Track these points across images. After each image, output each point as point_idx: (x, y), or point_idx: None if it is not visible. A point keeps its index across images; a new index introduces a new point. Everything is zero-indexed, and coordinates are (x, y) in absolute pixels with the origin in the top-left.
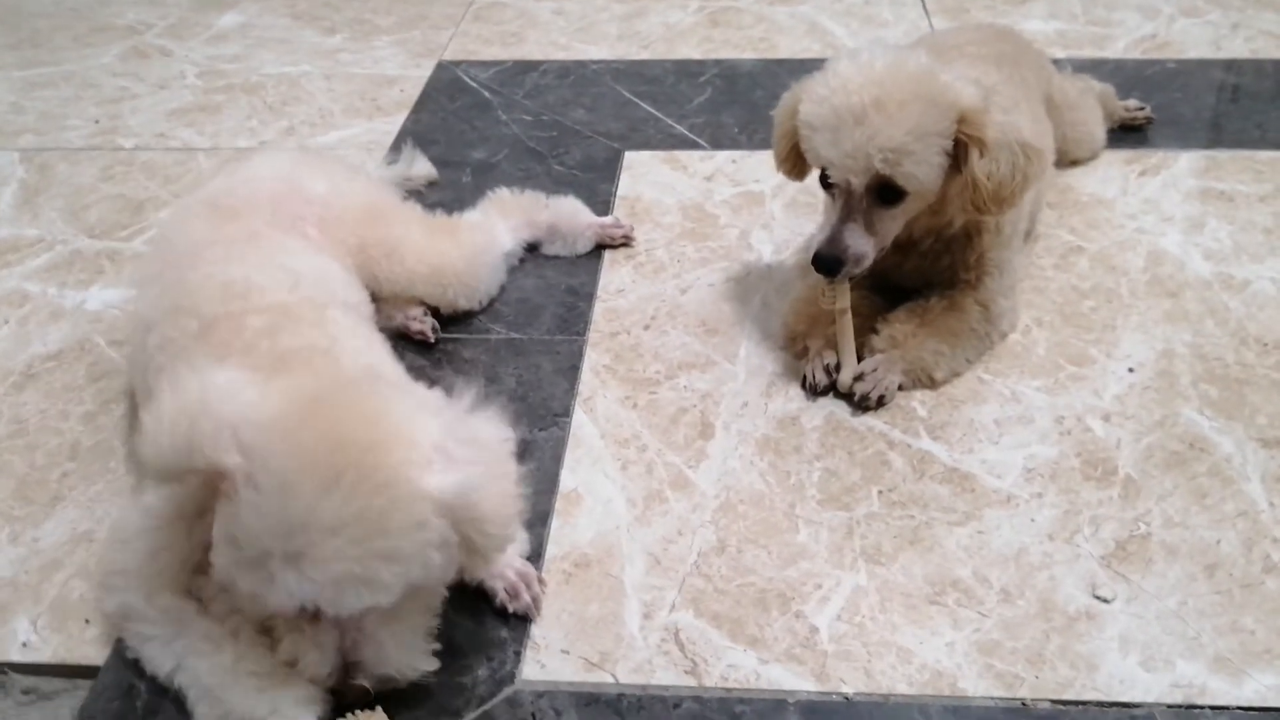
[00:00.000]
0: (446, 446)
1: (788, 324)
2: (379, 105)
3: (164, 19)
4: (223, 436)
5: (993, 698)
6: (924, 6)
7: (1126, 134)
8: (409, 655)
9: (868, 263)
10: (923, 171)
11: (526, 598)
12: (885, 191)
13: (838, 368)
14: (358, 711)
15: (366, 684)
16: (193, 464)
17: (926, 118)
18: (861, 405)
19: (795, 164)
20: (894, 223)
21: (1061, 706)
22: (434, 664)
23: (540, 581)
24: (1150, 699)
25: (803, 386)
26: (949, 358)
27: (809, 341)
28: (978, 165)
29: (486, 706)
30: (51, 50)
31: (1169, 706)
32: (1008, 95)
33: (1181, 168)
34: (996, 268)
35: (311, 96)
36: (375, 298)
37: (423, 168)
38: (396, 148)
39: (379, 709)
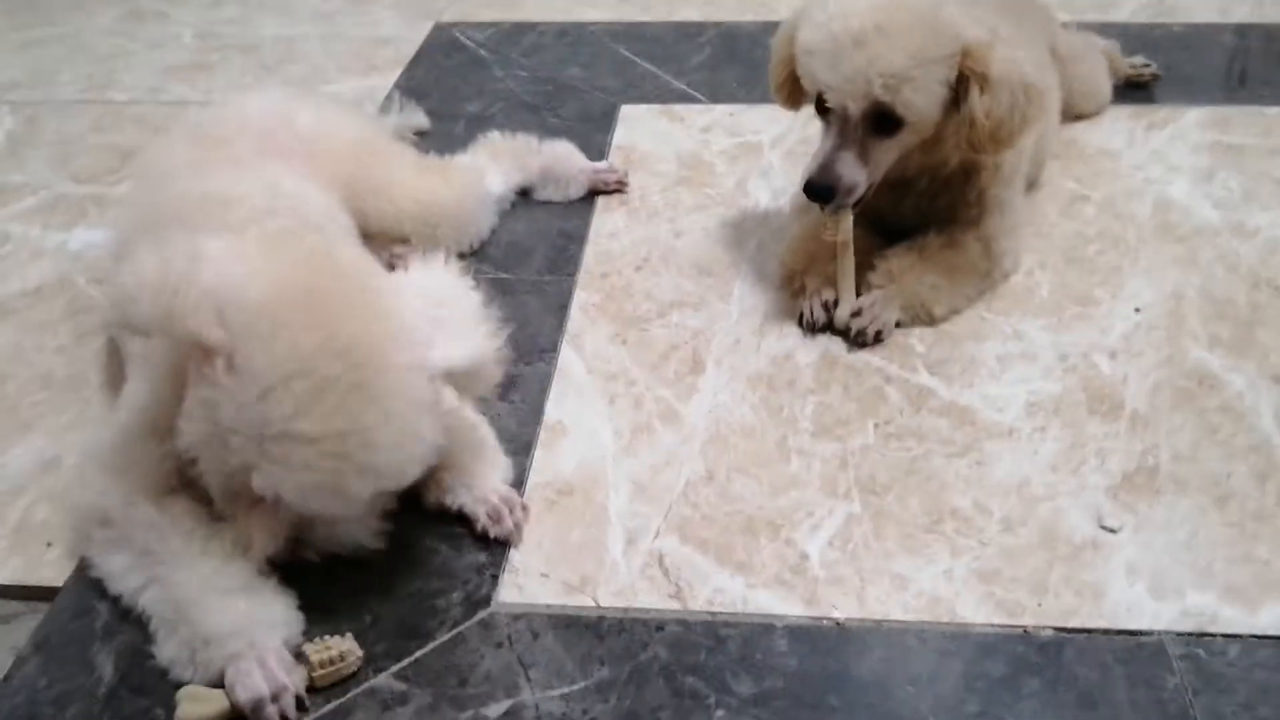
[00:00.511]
0: (439, 315)
1: (785, 262)
2: (374, 63)
3: None
4: (206, 310)
5: (993, 624)
6: None
7: (1132, 91)
8: (359, 532)
9: (859, 192)
10: (922, 100)
11: (509, 523)
12: (882, 120)
13: (836, 304)
14: (327, 638)
15: (314, 557)
16: (169, 330)
17: (929, 45)
18: (858, 341)
19: (791, 92)
20: (888, 154)
21: (1066, 634)
22: (381, 543)
23: (524, 508)
24: (1160, 626)
25: (799, 324)
26: (948, 293)
27: (806, 279)
28: (978, 102)
29: (460, 628)
30: (48, 13)
31: (1179, 634)
32: (1011, 37)
33: (1189, 121)
34: (997, 206)
35: (307, 56)
36: (363, 236)
37: (415, 118)
38: (387, 105)
39: (349, 635)
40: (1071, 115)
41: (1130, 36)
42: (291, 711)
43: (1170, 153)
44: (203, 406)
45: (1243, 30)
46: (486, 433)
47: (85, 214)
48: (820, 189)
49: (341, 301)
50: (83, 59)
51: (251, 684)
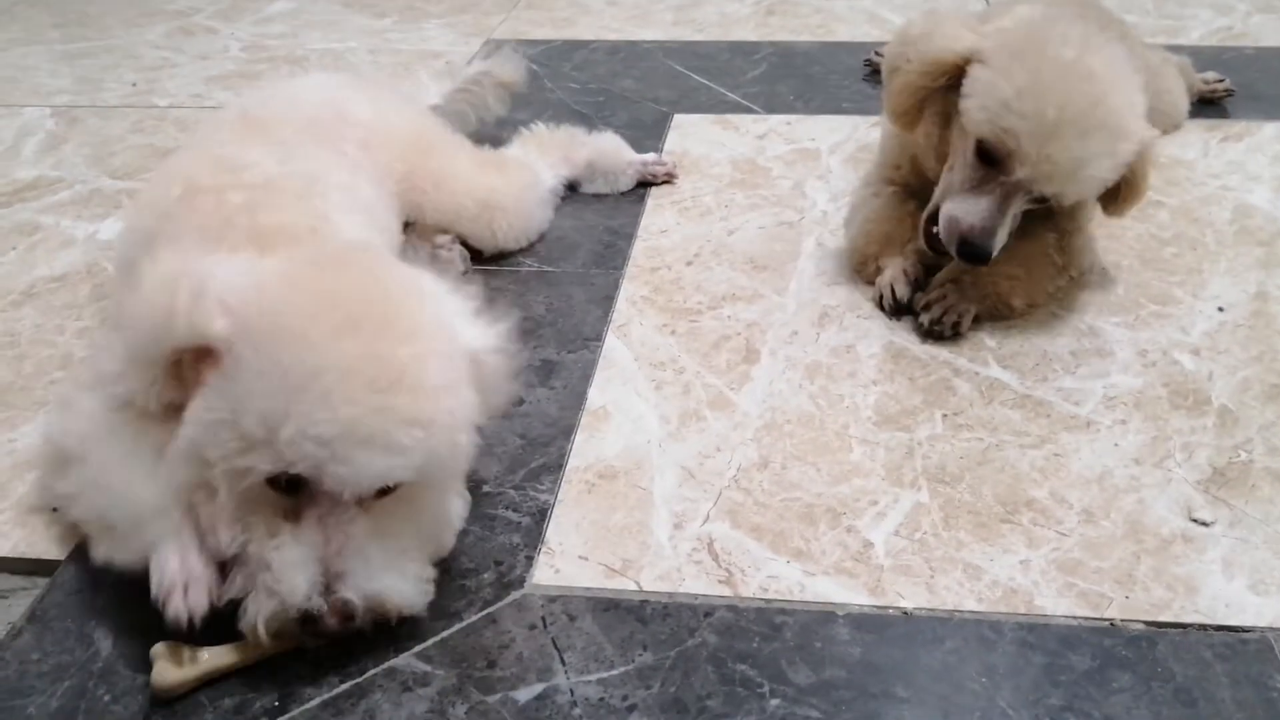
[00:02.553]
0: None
1: (857, 246)
2: (422, 77)
3: (214, 4)
4: (206, 302)
5: (1075, 617)
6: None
7: (1205, 107)
8: (401, 579)
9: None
10: (1098, 190)
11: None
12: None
13: (918, 281)
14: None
15: (352, 597)
16: (174, 337)
17: (1125, 154)
18: (934, 333)
19: (917, 114)
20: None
21: (1158, 629)
22: (426, 598)
23: None
24: (1263, 623)
25: (879, 306)
26: (1025, 284)
27: (882, 261)
28: (1125, 204)
29: (491, 609)
30: (99, 29)
31: None
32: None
33: (1267, 135)
34: (1070, 209)
35: (353, 68)
36: (410, 227)
37: (511, 69)
38: (488, 50)
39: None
40: None
41: (1201, 58)
42: (199, 604)
43: (1248, 163)
44: (218, 407)
45: None
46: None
47: (119, 207)
48: (980, 252)
49: (349, 265)
50: (129, 68)
51: (167, 570)
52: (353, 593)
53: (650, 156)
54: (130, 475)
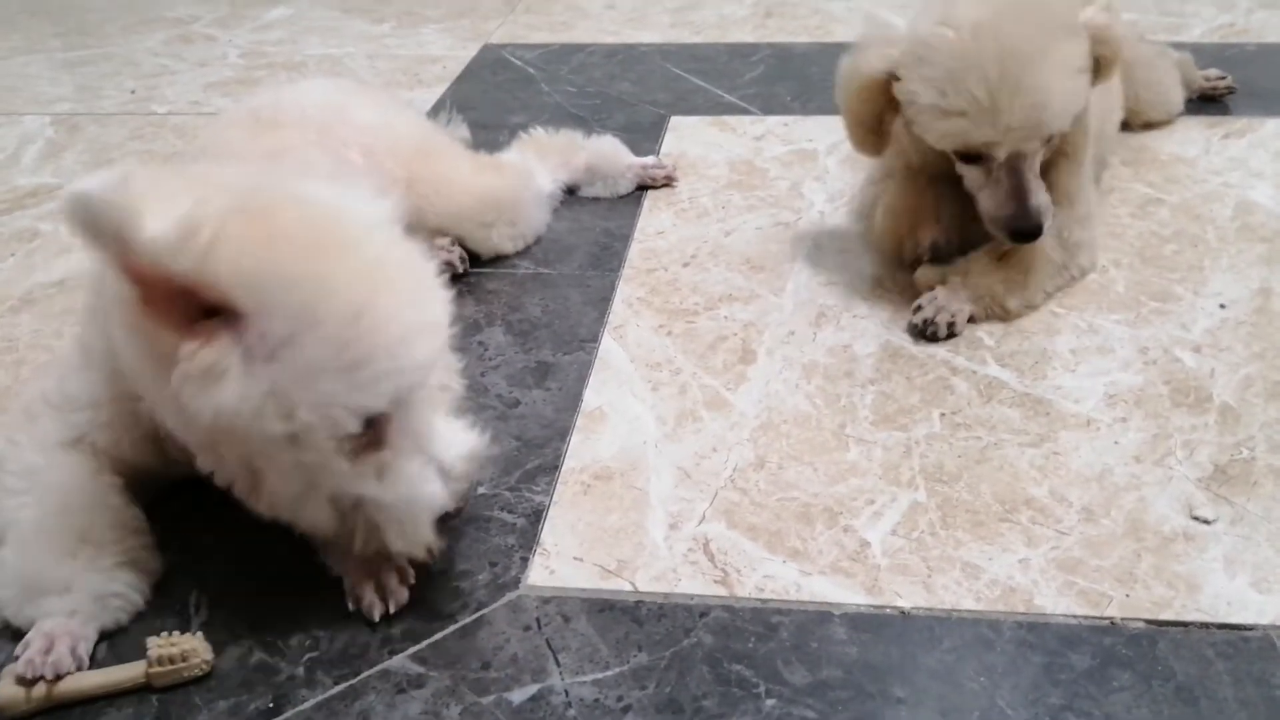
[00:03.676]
0: None
1: (887, 229)
2: (420, 79)
3: (213, 12)
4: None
5: (1075, 615)
6: None
7: (1207, 104)
8: (465, 434)
9: (1050, 208)
10: (1081, 104)
11: (370, 595)
12: (1049, 137)
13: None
14: (174, 634)
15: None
16: (197, 278)
17: (1074, 55)
18: (927, 333)
19: (878, 141)
20: (1041, 154)
21: (1159, 627)
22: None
23: (405, 578)
24: (1265, 621)
25: (920, 258)
26: (1023, 286)
27: (919, 234)
28: (1110, 67)
29: (484, 611)
30: (99, 37)
31: None
32: None
33: (1269, 131)
34: (1068, 197)
35: (352, 72)
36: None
37: (458, 130)
38: (434, 113)
39: (199, 635)
40: (1140, 123)
41: (1203, 55)
42: (36, 701)
43: (1250, 159)
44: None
45: None
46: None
47: None
48: (1031, 230)
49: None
50: (128, 75)
51: (26, 659)
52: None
53: (649, 160)
54: (50, 543)
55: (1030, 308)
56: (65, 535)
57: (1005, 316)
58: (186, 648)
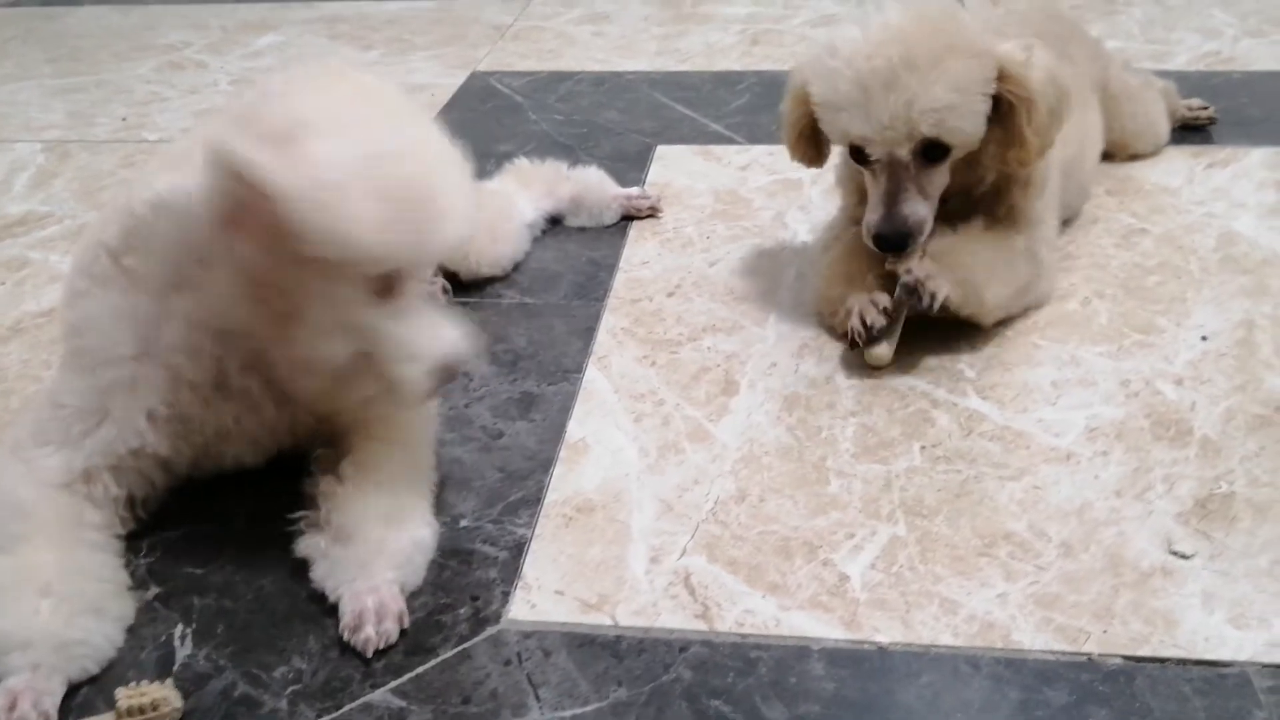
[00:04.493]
0: None
1: (821, 292)
2: None
3: (204, 39)
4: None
5: (1053, 651)
6: None
7: (1189, 133)
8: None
9: (929, 227)
10: (969, 124)
11: (370, 631)
12: (930, 150)
13: (887, 310)
14: (144, 683)
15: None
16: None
17: (965, 70)
18: (910, 293)
19: (810, 149)
20: (941, 178)
21: (1136, 663)
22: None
23: (400, 620)
24: (1243, 658)
25: (848, 339)
26: (1000, 280)
27: (851, 299)
28: (1026, 124)
29: (465, 645)
30: (90, 64)
31: (1265, 666)
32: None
33: (1254, 161)
34: (1029, 221)
35: None
36: None
37: None
38: None
39: (169, 683)
40: (1126, 154)
41: (1188, 83)
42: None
43: (1233, 190)
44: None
45: None
46: (404, 522)
47: None
48: (894, 239)
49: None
50: (120, 103)
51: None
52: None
53: (634, 190)
54: (22, 580)
55: (1006, 314)
56: (24, 590)
57: (980, 309)
58: (156, 696)
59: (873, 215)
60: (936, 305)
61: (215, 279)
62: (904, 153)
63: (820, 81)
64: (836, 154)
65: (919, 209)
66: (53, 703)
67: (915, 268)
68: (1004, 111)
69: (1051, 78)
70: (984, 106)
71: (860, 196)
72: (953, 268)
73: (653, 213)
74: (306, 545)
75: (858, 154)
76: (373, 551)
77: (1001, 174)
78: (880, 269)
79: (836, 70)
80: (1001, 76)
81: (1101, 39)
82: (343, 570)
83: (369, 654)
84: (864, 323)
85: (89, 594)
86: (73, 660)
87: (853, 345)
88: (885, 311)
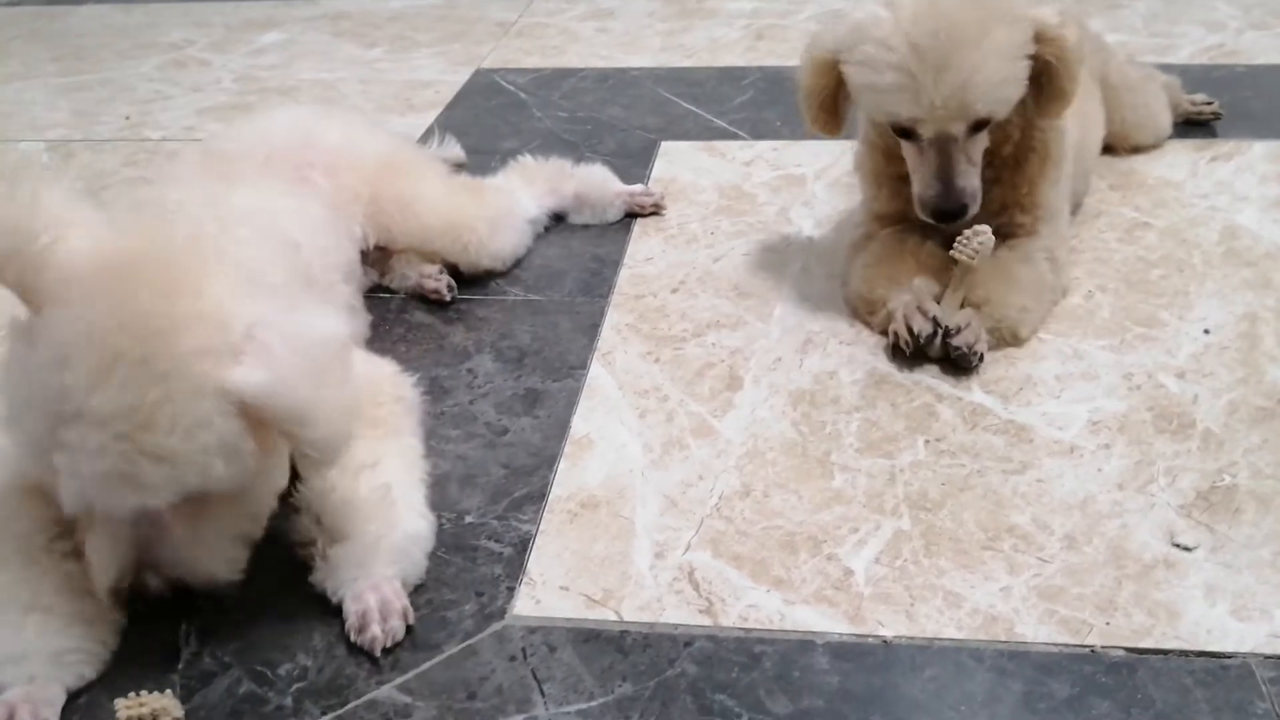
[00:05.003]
0: (265, 338)
1: (861, 293)
2: (412, 104)
3: (207, 37)
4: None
5: (1056, 644)
6: None
7: (1193, 127)
8: (211, 560)
9: (979, 194)
10: (1015, 91)
11: (376, 630)
12: (979, 121)
13: (935, 319)
14: (143, 693)
15: (158, 584)
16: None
17: (1009, 38)
18: (960, 363)
19: (831, 119)
20: (983, 143)
21: (1138, 655)
22: (238, 574)
23: (405, 616)
24: (1245, 649)
25: (895, 345)
26: (1032, 314)
27: (891, 303)
28: (1068, 82)
29: (470, 641)
30: (94, 62)
31: (1267, 657)
32: None
33: (1256, 154)
34: (1050, 214)
35: (345, 97)
36: (389, 253)
37: (452, 150)
38: (426, 139)
39: (169, 693)
40: (1128, 146)
41: (1190, 78)
42: None
43: (1236, 183)
44: (13, 372)
45: None
46: (398, 516)
47: None
48: (953, 210)
49: (151, 275)
50: (123, 101)
51: None
52: (158, 581)
53: (637, 187)
54: (7, 596)
55: (1032, 334)
56: (10, 606)
57: (1016, 344)
58: (156, 706)
59: (929, 191)
60: (980, 362)
61: None
62: (957, 130)
63: (859, 66)
64: (848, 147)
65: (973, 180)
66: (53, 712)
67: (960, 335)
68: (1038, 70)
69: (1077, 31)
70: (1025, 71)
71: (886, 189)
72: (992, 311)
73: (656, 210)
74: (302, 551)
75: (904, 131)
76: (368, 549)
77: (1021, 143)
78: (926, 271)
79: (876, 55)
80: (1040, 39)
81: (1104, 33)
82: (341, 571)
83: (377, 653)
84: (911, 332)
85: (76, 603)
86: (68, 668)
87: (898, 352)
88: (935, 320)
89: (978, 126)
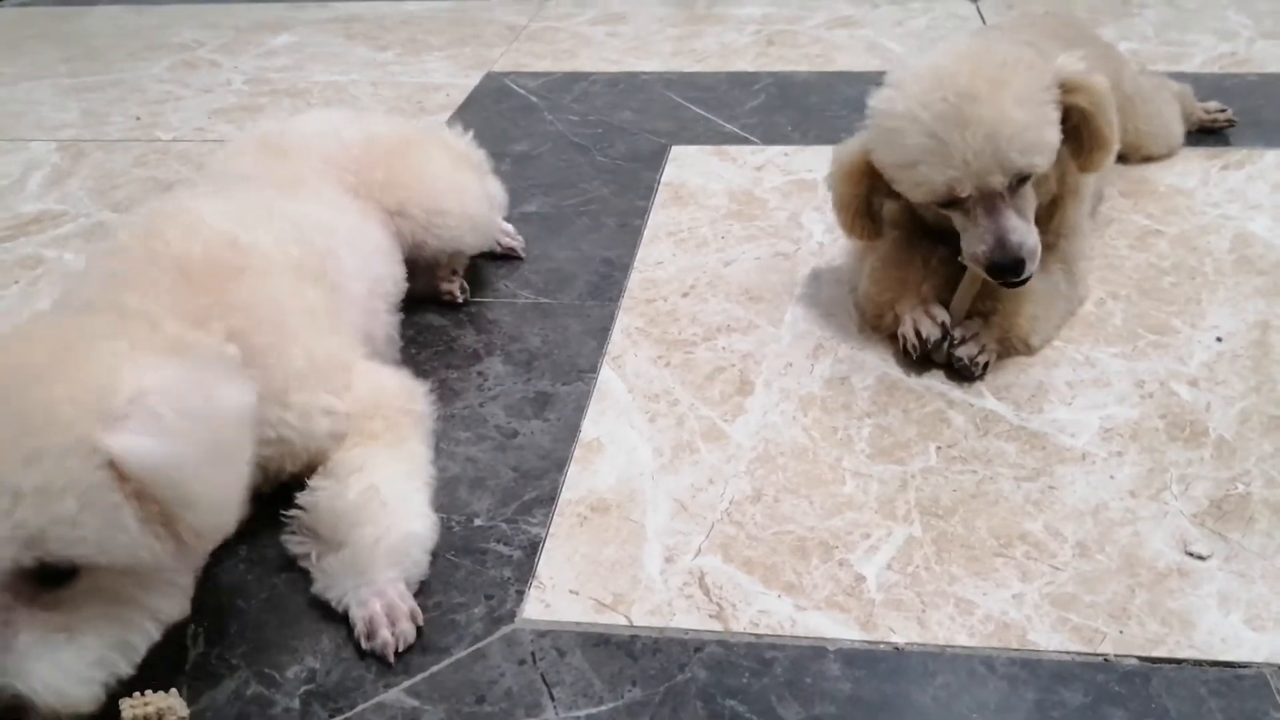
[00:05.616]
0: (156, 406)
1: (870, 295)
2: (423, 107)
3: (218, 38)
4: None
5: (1069, 652)
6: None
7: (1206, 135)
8: (60, 678)
9: (1038, 252)
10: (1048, 139)
11: (386, 635)
12: (1020, 176)
13: (944, 324)
14: (148, 693)
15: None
16: None
17: (1026, 84)
18: (965, 373)
19: (868, 224)
20: (1031, 200)
21: (1152, 664)
22: (92, 704)
23: (414, 618)
24: (1259, 659)
25: (904, 349)
26: (1043, 323)
27: (899, 307)
28: (1106, 128)
29: (479, 645)
30: (104, 63)
31: None
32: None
33: (1269, 163)
34: (1073, 229)
35: (355, 99)
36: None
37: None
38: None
39: (174, 692)
40: (1140, 156)
41: (1202, 86)
42: None
43: (1249, 191)
44: None
45: None
46: (392, 518)
47: None
48: (1008, 264)
49: (45, 330)
50: (134, 102)
51: None
52: None
53: (508, 227)
54: None
55: (1047, 343)
56: None
57: (1027, 352)
58: (161, 705)
59: (980, 246)
60: (989, 370)
61: None
62: (1001, 181)
63: (885, 145)
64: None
65: (1028, 233)
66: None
67: (964, 346)
68: (1074, 122)
69: (1108, 84)
70: (1056, 116)
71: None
72: (1001, 321)
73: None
74: (303, 563)
75: (948, 202)
76: (366, 554)
77: (1063, 187)
78: (935, 276)
79: (898, 129)
80: (1067, 89)
81: (1116, 42)
82: (342, 580)
83: (390, 658)
84: (919, 335)
85: None
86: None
87: (906, 356)
88: (943, 326)
89: (1021, 180)
